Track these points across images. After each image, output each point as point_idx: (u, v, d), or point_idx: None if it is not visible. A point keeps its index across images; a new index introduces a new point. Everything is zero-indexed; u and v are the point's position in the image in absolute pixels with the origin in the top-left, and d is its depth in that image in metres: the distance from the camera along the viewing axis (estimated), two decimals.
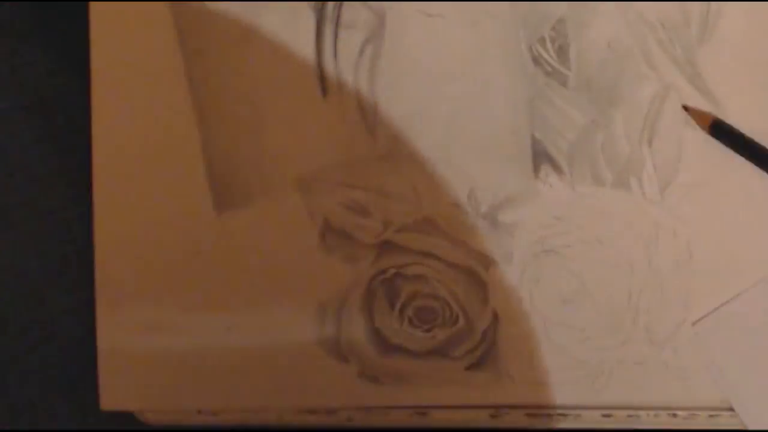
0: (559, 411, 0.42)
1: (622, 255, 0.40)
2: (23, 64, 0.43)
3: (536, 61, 0.40)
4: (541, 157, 0.40)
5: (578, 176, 0.40)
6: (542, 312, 0.41)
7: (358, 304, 0.42)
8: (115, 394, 0.43)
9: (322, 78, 0.41)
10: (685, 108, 0.39)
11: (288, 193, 0.41)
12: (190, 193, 0.42)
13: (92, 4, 0.41)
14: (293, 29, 0.40)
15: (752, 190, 0.40)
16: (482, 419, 0.43)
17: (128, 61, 0.41)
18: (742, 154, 0.39)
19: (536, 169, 0.41)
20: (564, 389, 0.42)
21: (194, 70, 0.41)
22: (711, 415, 0.42)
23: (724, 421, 0.42)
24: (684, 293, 0.41)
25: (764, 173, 0.39)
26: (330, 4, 0.40)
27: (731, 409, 0.41)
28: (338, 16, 0.40)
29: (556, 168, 0.40)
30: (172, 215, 0.42)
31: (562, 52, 0.40)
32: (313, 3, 0.40)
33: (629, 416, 0.42)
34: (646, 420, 0.42)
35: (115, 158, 0.42)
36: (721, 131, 0.39)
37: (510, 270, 0.41)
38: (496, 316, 0.41)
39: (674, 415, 0.42)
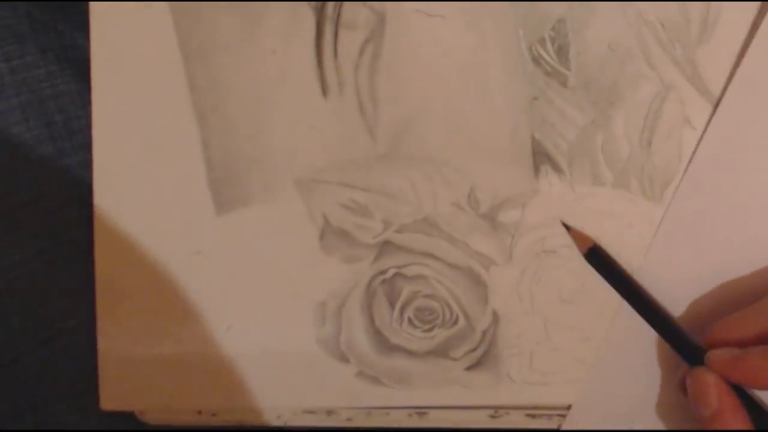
0: (559, 411, 0.42)
1: (622, 255, 0.40)
2: (23, 64, 0.43)
3: (536, 61, 0.40)
4: (541, 157, 0.40)
5: (578, 176, 0.40)
6: (542, 312, 0.41)
7: (358, 304, 0.42)
8: (115, 394, 0.43)
9: (322, 78, 0.41)
10: (566, 227, 0.40)
11: (288, 193, 0.41)
12: (190, 193, 0.42)
13: (92, 4, 0.41)
14: (293, 29, 0.40)
15: (751, 191, 0.40)
16: (482, 420, 0.43)
17: (128, 61, 0.41)
18: (612, 284, 0.39)
19: (536, 169, 0.41)
20: (564, 389, 0.42)
21: (194, 70, 0.41)
22: None
23: None
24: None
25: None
26: (330, 4, 0.40)
27: None
28: (338, 16, 0.40)
29: (556, 168, 0.40)
30: (172, 216, 0.42)
31: (562, 52, 0.40)
32: (313, 3, 0.40)
33: None
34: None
35: (115, 158, 0.42)
36: (597, 258, 0.40)
37: (510, 270, 0.41)
38: (496, 316, 0.41)
39: None
